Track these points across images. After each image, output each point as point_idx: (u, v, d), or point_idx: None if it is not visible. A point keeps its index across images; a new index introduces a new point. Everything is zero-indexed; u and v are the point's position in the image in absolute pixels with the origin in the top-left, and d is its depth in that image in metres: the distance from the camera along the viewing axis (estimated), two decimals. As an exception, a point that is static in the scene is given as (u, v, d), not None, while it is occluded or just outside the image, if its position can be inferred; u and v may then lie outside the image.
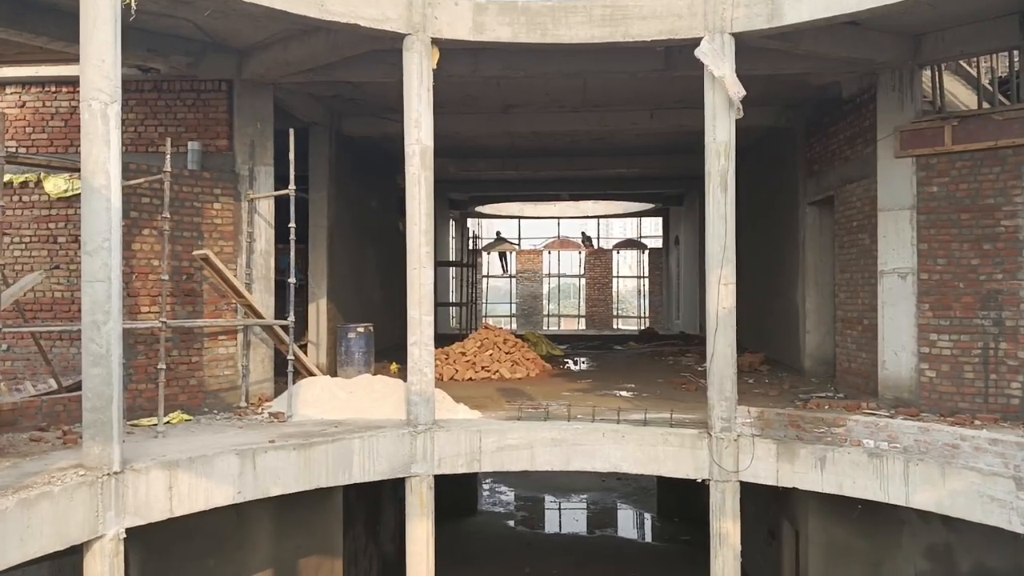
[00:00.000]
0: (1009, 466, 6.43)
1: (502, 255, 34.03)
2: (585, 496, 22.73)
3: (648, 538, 19.77)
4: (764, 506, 13.53)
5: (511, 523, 20.28)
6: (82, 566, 6.38)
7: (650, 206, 29.62)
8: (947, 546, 8.81)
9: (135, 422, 8.40)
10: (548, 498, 22.62)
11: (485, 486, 23.43)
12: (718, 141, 8.00)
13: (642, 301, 35.74)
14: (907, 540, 9.06)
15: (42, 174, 9.08)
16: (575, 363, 16.54)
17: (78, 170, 6.66)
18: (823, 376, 12.08)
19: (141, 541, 8.67)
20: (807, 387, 11.35)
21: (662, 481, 20.32)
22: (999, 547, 8.46)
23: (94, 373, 6.25)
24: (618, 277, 36.12)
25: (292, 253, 8.88)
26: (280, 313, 10.01)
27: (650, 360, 16.81)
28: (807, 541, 9.79)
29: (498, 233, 33.98)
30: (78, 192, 7.71)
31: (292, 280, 8.89)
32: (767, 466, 7.72)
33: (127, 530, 6.46)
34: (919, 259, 8.90)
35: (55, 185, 9.11)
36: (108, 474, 6.24)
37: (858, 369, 10.08)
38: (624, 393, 11.63)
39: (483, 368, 13.46)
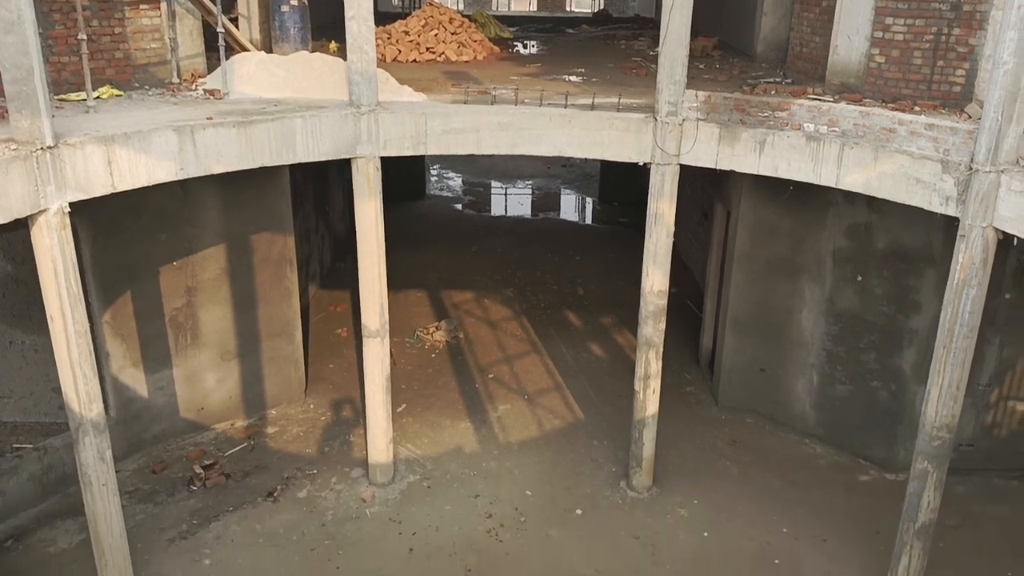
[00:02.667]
0: (939, 150, 6.67)
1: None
2: (530, 182, 23.34)
3: (589, 220, 20.72)
4: (700, 191, 14.12)
5: (459, 207, 20.94)
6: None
7: None
8: (867, 226, 9.43)
9: (63, 96, 8.03)
10: (495, 184, 23.19)
11: (433, 172, 23.78)
12: None
13: (598, -20, 33.75)
14: (831, 220, 9.66)
15: None
16: (524, 46, 15.99)
17: None
18: (774, 62, 11.94)
19: (89, 219, 8.75)
20: (757, 72, 11.26)
21: (605, 168, 20.89)
22: (914, 226, 9.10)
23: (8, 42, 5.81)
24: (574, -48, 33.75)
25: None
26: (206, -20, 9.22)
27: (602, 44, 16.32)
28: (737, 221, 10.37)
29: None
30: None
31: (215, -59, 8.07)
32: (708, 149, 7.88)
33: (73, 207, 6.46)
34: (888, -66, 8.40)
35: None
36: (42, 148, 6.08)
37: (809, 54, 9.95)
38: (573, 78, 11.41)
39: (428, 49, 12.93)
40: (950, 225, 7.00)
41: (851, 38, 8.80)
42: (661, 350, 9.00)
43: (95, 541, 7.47)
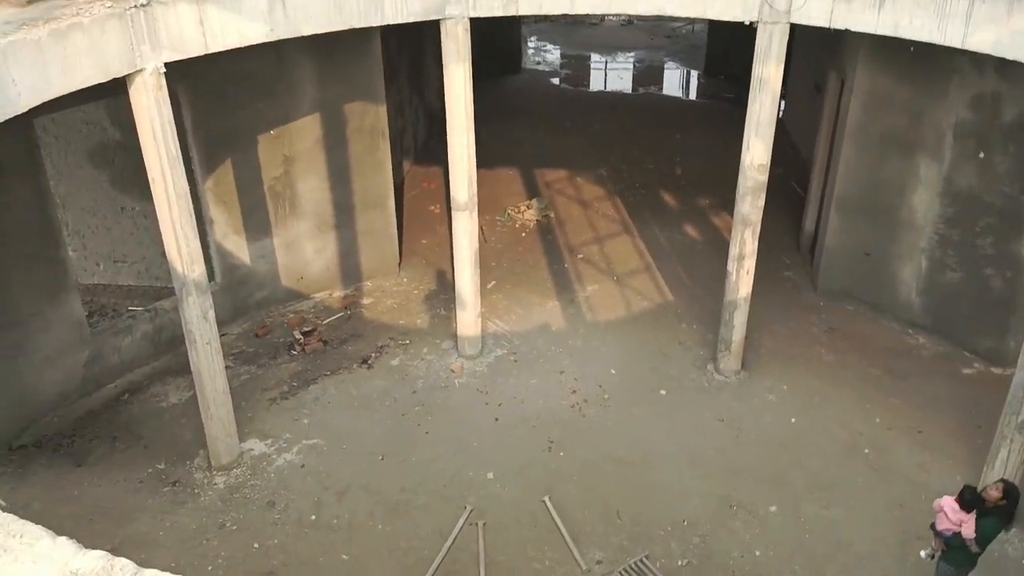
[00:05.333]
0: (1087, 2, 5.91)
1: None
2: (632, 55, 22.35)
3: (692, 96, 19.84)
4: (813, 62, 13.17)
5: (555, 81, 20.35)
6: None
7: None
8: (995, 95, 8.63)
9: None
10: (594, 56, 22.34)
11: (531, 45, 23.06)
12: None
13: None
14: (954, 89, 8.88)
15: None
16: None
17: None
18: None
19: (189, 84, 8.89)
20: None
21: (712, 37, 19.75)
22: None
23: None
24: None
25: None
26: None
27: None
28: (851, 90, 9.68)
29: None
30: None
31: None
32: (822, 5, 7.23)
33: (172, 70, 6.54)
34: None
35: None
36: (135, 6, 6.12)
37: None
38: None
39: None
40: (1093, 91, 6.28)
41: None
42: (758, 229, 8.64)
43: (200, 396, 7.96)
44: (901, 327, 10.23)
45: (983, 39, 6.44)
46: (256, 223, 10.24)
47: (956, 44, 6.59)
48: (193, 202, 7.29)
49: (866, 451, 8.45)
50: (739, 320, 9.11)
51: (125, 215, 10.37)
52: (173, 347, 9.75)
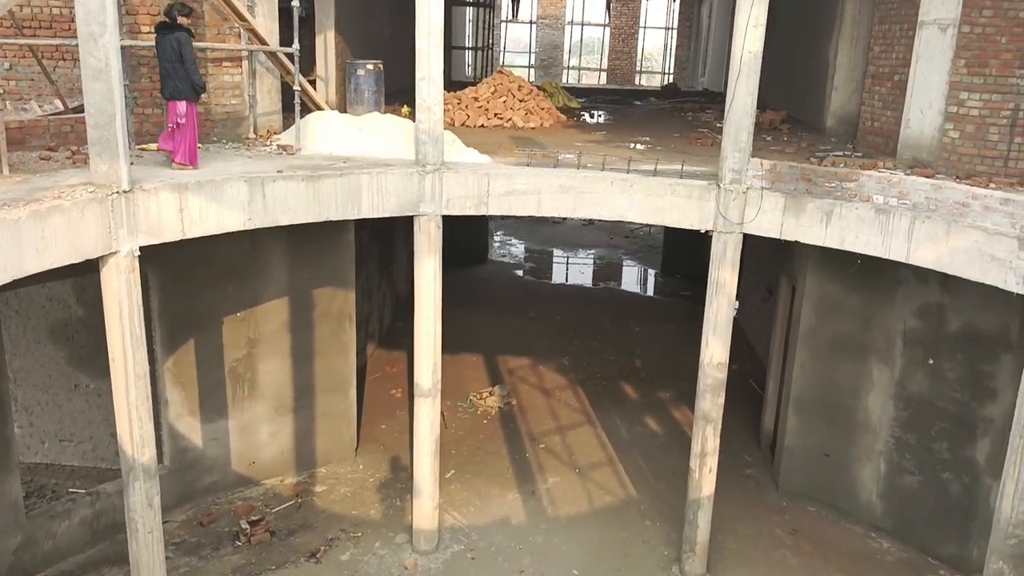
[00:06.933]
0: (1016, 226, 6.40)
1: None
2: (592, 252, 23.30)
3: (650, 292, 20.50)
4: (764, 266, 13.85)
5: (520, 273, 20.99)
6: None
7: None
8: (939, 306, 9.06)
9: (143, 147, 8.39)
10: (556, 252, 23.23)
11: (496, 238, 23.98)
12: None
13: (668, 57, 34.28)
14: (900, 299, 9.31)
15: None
16: (591, 116, 16.17)
17: None
18: (844, 136, 11.80)
19: (160, 265, 9.00)
20: (825, 146, 11.11)
21: (668, 239, 20.75)
22: (989, 308, 8.70)
23: (95, 88, 6.12)
24: (645, 27, 34.38)
25: (296, -24, 8.34)
26: (285, 43, 9.62)
27: (669, 116, 16.41)
28: (802, 296, 10.09)
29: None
30: None
31: (296, 4, 8.43)
32: (772, 219, 7.73)
33: (144, 252, 6.65)
34: (964, 9, 8.29)
35: None
36: (118, 192, 6.31)
37: (880, 128, 9.80)
38: (638, 146, 11.45)
39: (496, 115, 13.18)
40: (1029, 306, 6.66)
41: (924, 112, 8.64)
42: (719, 427, 8.69)
43: (136, 588, 7.44)
44: (864, 530, 10.10)
45: (925, 255, 6.87)
46: (212, 404, 10.03)
47: (901, 259, 7.02)
48: (151, 382, 7.17)
49: (837, 665, 8.06)
50: (703, 520, 8.93)
51: (78, 392, 10.10)
52: (111, 534, 9.19)
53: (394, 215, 8.23)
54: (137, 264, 6.62)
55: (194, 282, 9.48)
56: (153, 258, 8.21)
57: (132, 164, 6.68)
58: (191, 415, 9.87)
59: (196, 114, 7.73)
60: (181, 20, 7.51)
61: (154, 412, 7.40)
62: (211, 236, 7.14)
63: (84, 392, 10.14)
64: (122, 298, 6.60)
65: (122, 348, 6.72)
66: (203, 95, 8.04)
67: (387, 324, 15.70)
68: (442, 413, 9.22)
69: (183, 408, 9.79)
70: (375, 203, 8.04)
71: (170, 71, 7.44)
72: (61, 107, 8.50)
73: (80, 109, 8.18)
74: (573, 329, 16.36)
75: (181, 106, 7.52)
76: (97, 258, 6.41)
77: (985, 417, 8.93)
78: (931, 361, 9.21)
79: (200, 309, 9.63)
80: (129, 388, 6.81)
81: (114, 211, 6.31)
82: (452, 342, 11.22)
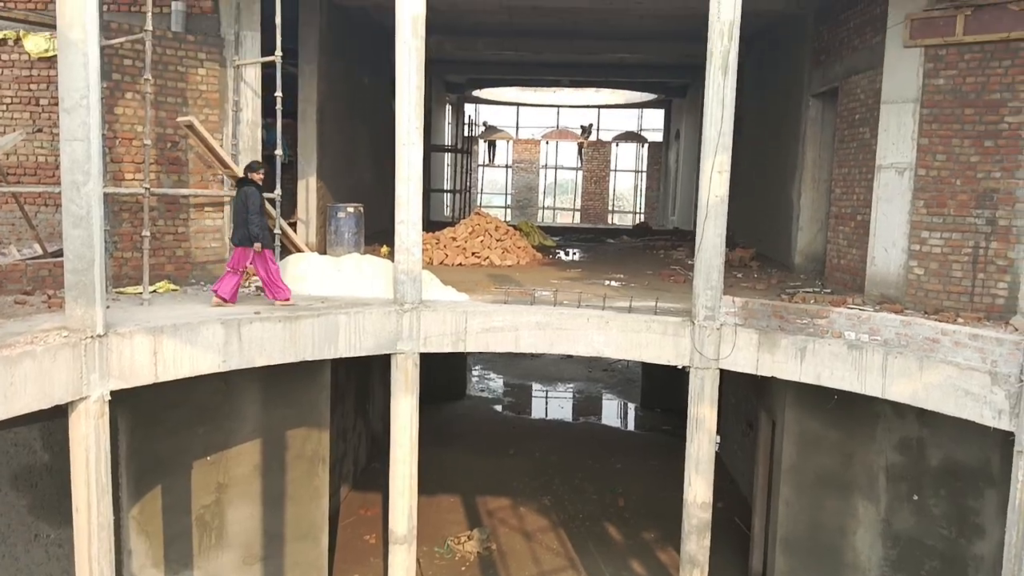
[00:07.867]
0: (987, 361, 6.50)
1: (490, 144, 33.38)
2: (571, 386, 23.20)
3: (631, 427, 20.30)
4: (743, 399, 13.83)
5: (498, 408, 20.75)
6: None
7: (652, 96, 29.03)
8: (919, 440, 9.03)
9: (121, 290, 8.41)
10: (535, 386, 23.09)
11: (474, 373, 23.86)
12: (722, 20, 7.70)
13: (639, 197, 35.53)
14: (880, 433, 9.28)
15: (21, 31, 8.76)
16: (566, 254, 16.52)
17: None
18: (812, 273, 12.10)
19: (130, 408, 8.81)
20: (795, 282, 11.38)
21: (647, 373, 20.75)
22: (968, 442, 8.68)
23: (75, 235, 6.19)
24: (616, 171, 35.77)
25: (279, 125, 8.68)
26: (268, 189, 9.87)
27: (641, 253, 16.80)
28: (782, 431, 10.03)
29: (485, 123, 33.48)
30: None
31: (279, 153, 8.72)
32: (747, 355, 7.80)
33: (115, 396, 6.55)
34: (918, 154, 8.75)
35: (35, 44, 8.81)
36: (92, 336, 6.26)
37: (847, 265, 10.07)
38: (612, 283, 11.64)
39: (473, 254, 13.43)
40: (1006, 440, 6.66)
41: (888, 250, 8.92)
42: (706, 570, 8.42)
43: None
44: None
45: (901, 390, 6.93)
46: (177, 554, 9.58)
47: (877, 394, 7.06)
48: (115, 531, 6.87)
49: None
50: (693, 672, 8.50)
51: (38, 543, 9.62)
52: None
53: (371, 353, 8.22)
54: (107, 409, 6.49)
55: (165, 424, 9.26)
56: (124, 400, 8.06)
57: (108, 307, 6.67)
58: (155, 566, 9.40)
59: (269, 257, 8.29)
60: (252, 176, 7.98)
61: (116, 563, 7.07)
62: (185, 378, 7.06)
63: (44, 543, 9.66)
64: (90, 444, 6.43)
65: (87, 497, 6.49)
66: (256, 244, 8.16)
67: (362, 465, 15.31)
68: (418, 560, 8.87)
69: (147, 559, 9.33)
70: (352, 343, 8.04)
71: (238, 221, 8.00)
72: (40, 251, 8.56)
73: (59, 253, 8.27)
74: (554, 466, 16.03)
75: (239, 252, 8.09)
76: (66, 403, 6.29)
77: (975, 555, 8.73)
78: (916, 497, 9.08)
79: (169, 452, 9.36)
80: (92, 539, 6.52)
81: (87, 355, 6.24)
82: (429, 482, 10.95)
